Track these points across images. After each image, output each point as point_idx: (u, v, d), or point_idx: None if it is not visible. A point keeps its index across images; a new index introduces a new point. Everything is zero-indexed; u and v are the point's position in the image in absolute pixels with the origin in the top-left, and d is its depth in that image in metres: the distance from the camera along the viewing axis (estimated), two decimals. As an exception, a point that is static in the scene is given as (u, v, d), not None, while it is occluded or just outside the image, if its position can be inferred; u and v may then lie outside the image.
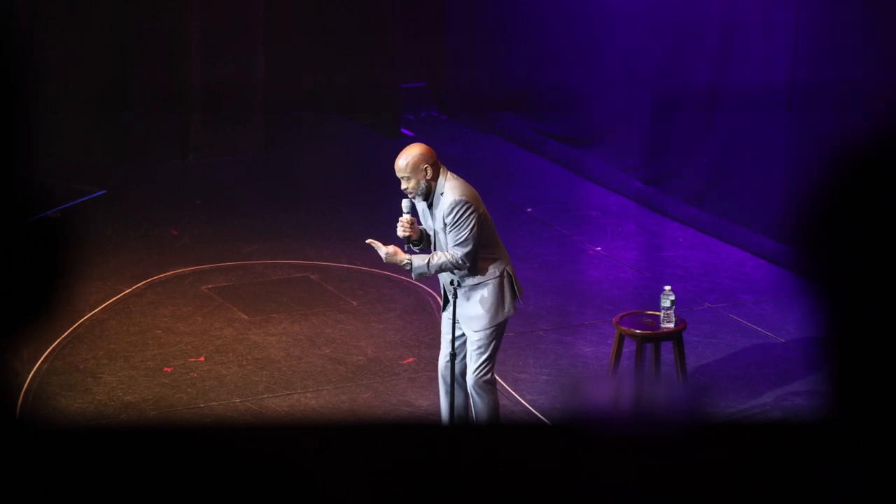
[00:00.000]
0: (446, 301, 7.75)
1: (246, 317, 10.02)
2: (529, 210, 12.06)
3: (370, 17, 14.33)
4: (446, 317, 7.76)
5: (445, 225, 7.53)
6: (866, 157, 1.78)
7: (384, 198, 12.45)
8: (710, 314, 10.18)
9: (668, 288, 8.69)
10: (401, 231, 7.61)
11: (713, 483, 1.75)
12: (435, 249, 7.66)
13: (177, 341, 9.60)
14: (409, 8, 14.55)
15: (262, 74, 13.69)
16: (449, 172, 7.60)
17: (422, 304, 10.24)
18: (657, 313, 8.67)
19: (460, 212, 7.52)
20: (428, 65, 14.97)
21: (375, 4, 14.27)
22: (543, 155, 13.57)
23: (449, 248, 7.55)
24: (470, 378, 7.73)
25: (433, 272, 7.58)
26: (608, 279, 10.85)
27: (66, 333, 9.60)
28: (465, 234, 7.53)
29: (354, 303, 10.30)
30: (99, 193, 12.38)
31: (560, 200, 12.53)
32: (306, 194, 12.63)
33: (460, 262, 7.56)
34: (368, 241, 7.74)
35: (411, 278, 7.80)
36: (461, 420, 7.88)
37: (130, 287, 10.43)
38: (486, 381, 7.73)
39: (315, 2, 14.62)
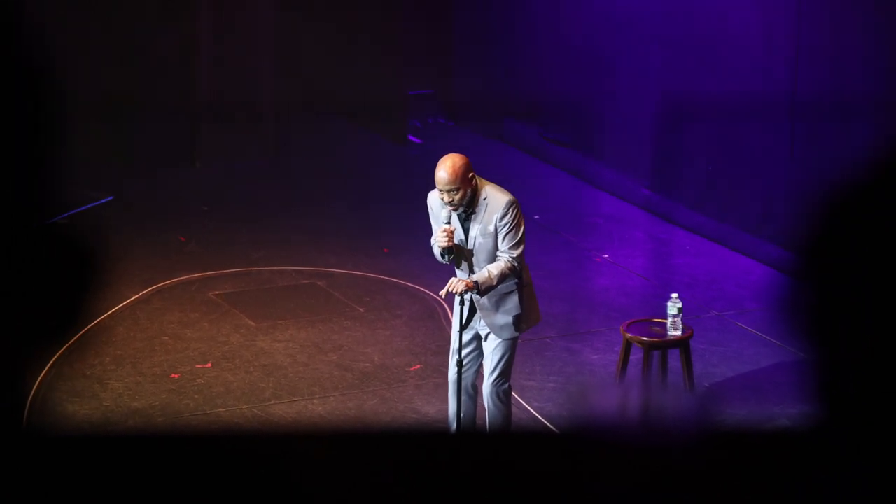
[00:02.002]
0: (472, 312, 7.62)
1: (253, 323, 10.02)
2: (536, 217, 12.06)
3: (379, 24, 14.34)
4: (459, 329, 7.67)
5: (497, 228, 7.36)
6: (869, 163, 1.78)
7: (391, 204, 12.46)
8: (717, 322, 10.17)
9: (675, 295, 8.68)
10: (444, 241, 7.36)
11: (720, 490, 1.74)
12: (468, 259, 7.52)
13: (184, 347, 9.60)
14: (417, 14, 14.55)
15: (270, 80, 13.70)
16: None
17: (429, 310, 10.24)
18: (664, 321, 8.66)
19: (516, 212, 7.39)
20: (436, 71, 14.97)
21: (384, 11, 14.28)
22: (550, 162, 13.57)
23: (503, 251, 7.40)
24: (489, 387, 7.68)
25: (496, 283, 7.43)
26: (615, 287, 10.84)
27: (73, 339, 9.60)
28: (520, 234, 7.40)
29: (361, 309, 10.29)
30: (106, 199, 12.39)
31: (567, 208, 12.52)
32: (313, 200, 12.63)
33: (516, 264, 7.40)
34: (442, 293, 7.53)
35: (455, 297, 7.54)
36: (469, 428, 7.86)
37: (137, 293, 10.43)
38: (504, 391, 7.71)
39: (324, 8, 14.63)
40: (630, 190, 12.62)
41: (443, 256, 7.49)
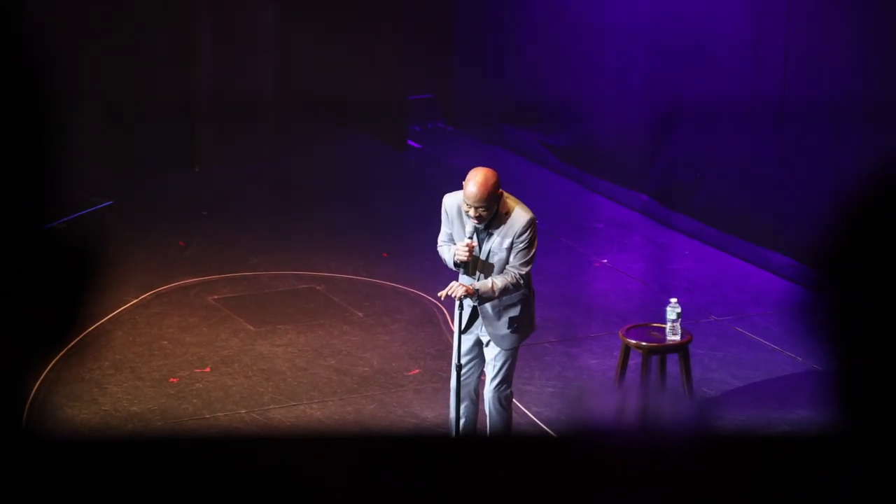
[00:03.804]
0: (473, 318, 7.64)
1: (252, 328, 10.02)
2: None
3: (379, 28, 14.35)
4: (466, 336, 7.67)
5: (513, 244, 7.36)
6: (864, 167, 1.79)
7: (390, 208, 12.46)
8: (716, 327, 10.17)
9: (674, 300, 8.68)
10: (464, 256, 7.36)
11: (718, 496, 1.74)
12: (478, 268, 7.52)
13: (183, 352, 9.60)
14: (417, 19, 14.56)
15: (270, 84, 13.70)
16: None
17: (428, 315, 10.23)
18: (663, 326, 8.66)
19: (533, 231, 7.39)
20: (435, 76, 14.98)
21: (384, 16, 14.28)
22: (550, 167, 13.58)
23: (513, 265, 7.40)
24: (492, 393, 7.70)
25: (498, 295, 7.45)
26: (614, 291, 10.84)
27: (72, 344, 9.59)
28: (532, 252, 7.42)
29: (360, 314, 10.29)
30: (106, 204, 12.39)
31: (566, 212, 12.52)
32: (312, 204, 12.63)
33: (521, 281, 7.42)
34: (441, 294, 7.55)
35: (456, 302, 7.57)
36: (469, 433, 7.87)
37: (136, 298, 10.43)
38: (506, 397, 7.75)
39: (324, 12, 14.63)
40: (629, 195, 12.63)
41: (456, 266, 7.49)
